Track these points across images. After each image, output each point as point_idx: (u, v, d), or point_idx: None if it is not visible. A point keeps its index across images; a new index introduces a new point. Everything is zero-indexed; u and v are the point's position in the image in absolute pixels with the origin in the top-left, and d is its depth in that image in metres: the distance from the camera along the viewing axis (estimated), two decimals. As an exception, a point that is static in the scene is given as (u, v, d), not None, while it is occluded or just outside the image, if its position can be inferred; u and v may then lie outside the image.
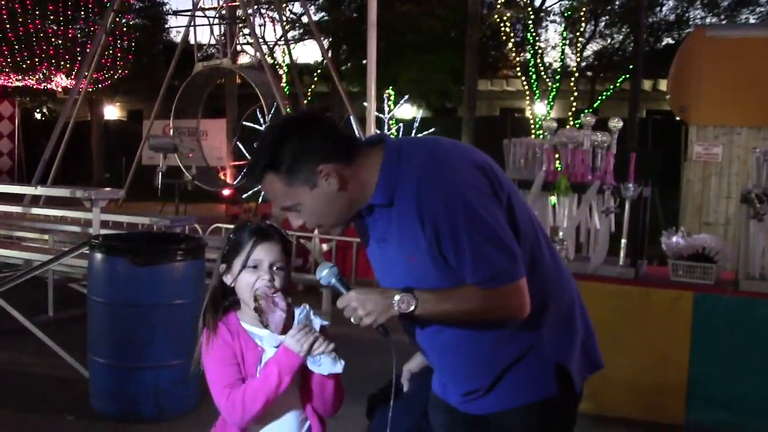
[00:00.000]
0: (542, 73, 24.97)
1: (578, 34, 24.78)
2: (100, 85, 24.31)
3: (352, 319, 2.51)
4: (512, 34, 24.41)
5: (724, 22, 28.35)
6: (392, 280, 2.59)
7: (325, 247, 10.61)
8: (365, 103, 12.68)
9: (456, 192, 2.41)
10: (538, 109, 24.21)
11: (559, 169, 5.72)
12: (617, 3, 28.61)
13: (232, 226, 10.97)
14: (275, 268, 2.70)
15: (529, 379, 2.62)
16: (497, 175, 2.54)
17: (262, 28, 24.78)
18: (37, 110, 34.17)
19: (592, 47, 30.30)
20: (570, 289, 2.75)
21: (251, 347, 2.71)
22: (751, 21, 28.76)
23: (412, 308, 2.46)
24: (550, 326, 2.62)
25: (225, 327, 2.74)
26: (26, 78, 23.62)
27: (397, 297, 2.47)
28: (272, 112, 19.08)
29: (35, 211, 11.22)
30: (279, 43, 25.55)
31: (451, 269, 2.46)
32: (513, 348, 2.59)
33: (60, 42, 23.30)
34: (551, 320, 2.63)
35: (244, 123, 21.90)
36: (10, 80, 23.67)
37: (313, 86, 27.11)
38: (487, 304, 2.45)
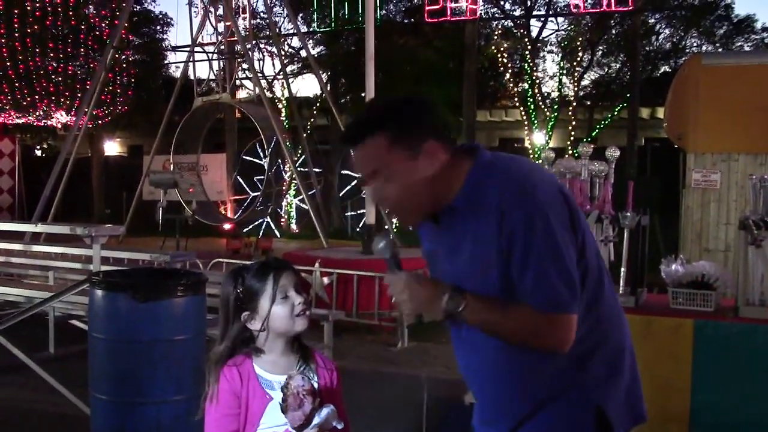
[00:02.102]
0: (540, 103, 25.11)
1: (575, 63, 24.92)
2: (100, 121, 24.42)
3: (394, 299, 2.48)
4: (510, 65, 24.55)
5: (719, 50, 28.51)
6: None
7: (326, 280, 10.61)
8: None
9: (540, 213, 2.39)
10: (537, 139, 24.31)
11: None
12: (614, 32, 28.77)
13: (232, 261, 11.02)
14: (299, 292, 2.75)
15: (565, 420, 2.55)
16: (577, 210, 2.53)
17: (261, 62, 25.06)
18: (38, 147, 34.27)
19: (590, 76, 30.45)
20: (624, 333, 2.71)
21: (259, 395, 2.70)
22: (746, 48, 28.93)
23: (459, 309, 2.42)
24: (597, 367, 2.57)
25: (237, 370, 2.72)
26: (26, 115, 23.71)
27: (447, 294, 2.42)
28: (272, 146, 19.16)
29: (36, 248, 11.22)
30: (278, 77, 25.70)
31: (513, 289, 2.42)
32: (554, 380, 2.53)
33: (60, 79, 23.40)
34: (599, 362, 2.57)
35: (243, 157, 22.03)
36: (11, 118, 23.77)
37: (312, 119, 27.21)
38: (535, 327, 2.41)
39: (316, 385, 2.70)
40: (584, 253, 2.50)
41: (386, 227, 14.47)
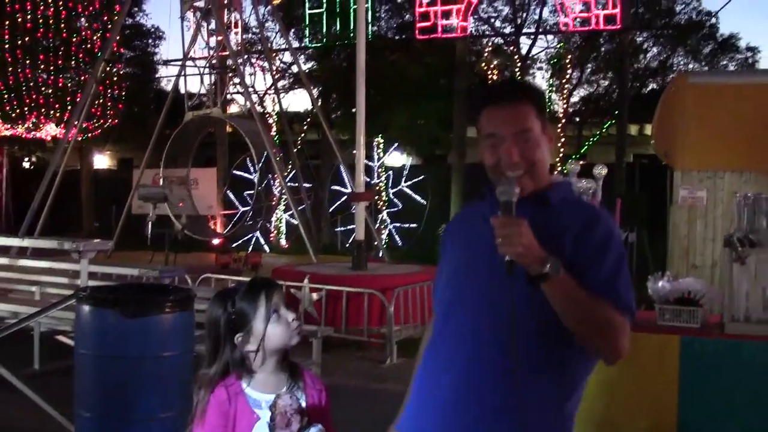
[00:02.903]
0: (530, 120, 25.11)
1: (565, 80, 25.00)
2: (90, 134, 24.38)
3: (500, 240, 2.47)
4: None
5: (705, 68, 28.71)
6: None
7: (315, 296, 10.61)
8: (355, 151, 12.74)
9: (617, 235, 2.69)
10: (527, 155, 24.31)
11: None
12: (602, 50, 28.92)
13: (222, 276, 11.02)
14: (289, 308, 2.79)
15: None
16: None
17: (252, 77, 24.99)
18: (27, 159, 34.20)
19: (579, 93, 30.58)
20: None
21: (247, 414, 2.70)
22: (730, 67, 29.18)
23: (558, 274, 2.46)
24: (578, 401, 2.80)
25: (224, 389, 2.74)
26: (15, 127, 23.66)
27: (550, 257, 2.47)
28: (262, 160, 19.16)
29: (22, 262, 11.18)
30: (269, 92, 25.70)
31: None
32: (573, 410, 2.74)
33: (50, 91, 23.40)
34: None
35: (234, 172, 22.02)
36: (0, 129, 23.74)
37: (303, 134, 27.21)
38: (615, 322, 2.54)
39: (304, 404, 2.71)
40: None
41: (374, 237, 14.49)
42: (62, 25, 23.44)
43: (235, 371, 2.76)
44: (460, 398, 2.60)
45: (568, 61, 24.70)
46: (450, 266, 2.82)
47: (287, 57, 28.13)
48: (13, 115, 23.01)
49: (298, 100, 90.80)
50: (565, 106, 25.30)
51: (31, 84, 23.11)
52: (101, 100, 23.43)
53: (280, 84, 27.14)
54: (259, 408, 2.69)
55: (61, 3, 23.22)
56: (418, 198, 21.32)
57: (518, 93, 2.77)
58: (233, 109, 25.27)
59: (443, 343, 2.71)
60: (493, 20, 28.57)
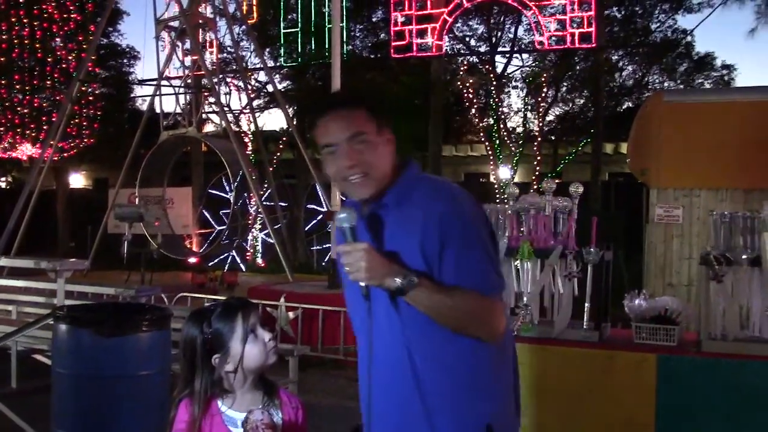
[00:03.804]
0: (506, 138, 25.28)
1: (540, 99, 25.16)
2: (65, 154, 24.26)
3: (348, 268, 2.58)
4: (475, 100, 24.74)
5: (680, 86, 28.91)
6: None
7: (291, 314, 10.59)
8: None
9: (465, 212, 2.69)
10: (503, 174, 24.45)
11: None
12: (578, 69, 29.10)
13: (198, 296, 10.97)
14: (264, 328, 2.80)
15: None
16: (491, 225, 2.83)
17: (228, 96, 24.96)
18: (2, 179, 33.97)
19: (554, 112, 30.73)
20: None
21: (222, 431, 2.72)
22: (706, 85, 29.38)
23: (413, 285, 2.54)
24: (498, 381, 2.76)
25: (191, 407, 2.77)
26: (-9, 147, 23.55)
27: (402, 271, 2.56)
28: (238, 179, 19.13)
29: (-1, 282, 11.13)
30: (244, 111, 25.69)
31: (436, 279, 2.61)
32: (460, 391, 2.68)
33: (26, 111, 23.28)
34: (496, 383, 2.75)
35: (209, 191, 21.97)
36: (-25, 150, 23.61)
37: (278, 153, 27.21)
38: (483, 309, 2.62)
39: (279, 422, 2.71)
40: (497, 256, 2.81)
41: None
42: (37, 45, 23.36)
43: (212, 392, 2.75)
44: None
45: (543, 79, 24.87)
46: (347, 289, 2.88)
47: (262, 76, 28.20)
48: (-11, 135, 22.91)
49: (274, 120, 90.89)
50: (540, 124, 25.45)
51: (7, 104, 23.00)
52: (77, 120, 23.33)
53: (255, 103, 27.18)
54: (234, 426, 2.70)
55: (36, 23, 23.16)
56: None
57: (347, 99, 2.84)
58: (209, 128, 25.27)
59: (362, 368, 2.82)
60: (468, 39, 28.75)
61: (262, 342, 2.74)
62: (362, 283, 2.60)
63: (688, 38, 28.74)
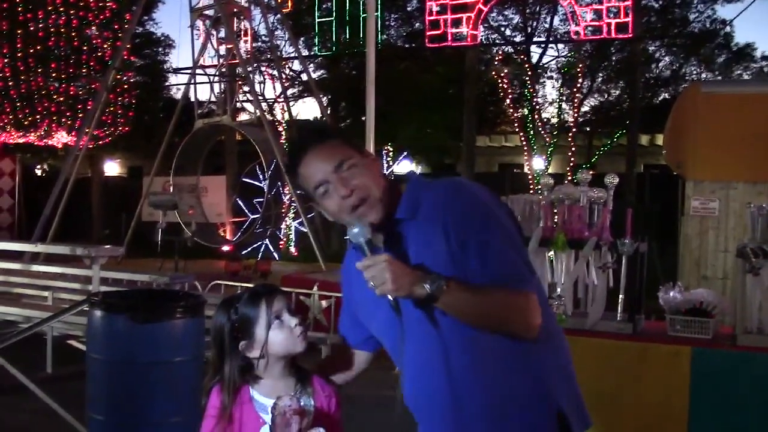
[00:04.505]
0: (540, 129, 25.15)
1: (575, 89, 24.98)
2: (100, 142, 24.42)
3: (371, 282, 2.44)
4: (510, 91, 24.64)
5: (718, 77, 28.62)
6: None
7: (324, 303, 10.60)
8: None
9: (483, 204, 2.58)
10: (537, 164, 24.33)
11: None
12: (614, 59, 28.89)
13: (231, 283, 11.02)
14: (293, 314, 2.77)
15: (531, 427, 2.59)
16: (514, 215, 2.71)
17: (262, 85, 25.04)
18: (38, 167, 34.31)
19: (590, 103, 30.56)
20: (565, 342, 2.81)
21: (253, 419, 2.72)
22: (745, 77, 29.05)
23: (442, 290, 2.43)
24: (559, 371, 2.67)
25: (221, 394, 2.77)
26: (27, 135, 23.73)
27: (429, 276, 2.44)
28: (271, 168, 19.18)
29: (35, 268, 11.25)
30: (278, 100, 25.76)
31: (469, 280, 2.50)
32: (520, 385, 2.59)
33: (61, 99, 23.44)
34: (557, 364, 2.68)
35: (243, 179, 22.06)
36: (12, 137, 23.79)
37: (312, 142, 27.23)
38: (514, 302, 2.50)
39: (311, 409, 2.71)
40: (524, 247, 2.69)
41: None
42: (73, 34, 23.48)
43: (242, 378, 2.77)
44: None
45: (578, 70, 24.69)
46: (369, 314, 2.81)
47: (297, 65, 28.26)
48: (26, 122, 23.06)
49: (308, 109, 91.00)
50: (575, 115, 25.29)
51: (43, 92, 23.14)
52: (112, 108, 23.46)
53: (289, 92, 27.25)
54: (265, 412, 2.70)
55: (72, 12, 23.29)
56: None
57: (319, 135, 2.69)
58: (243, 117, 25.32)
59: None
60: (503, 29, 28.65)
61: (288, 328, 2.73)
62: (390, 297, 2.47)
63: (727, 28, 28.47)
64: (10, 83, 22.52)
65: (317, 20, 24.46)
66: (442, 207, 2.54)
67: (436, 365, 2.60)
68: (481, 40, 24.32)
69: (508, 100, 24.78)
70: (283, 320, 2.73)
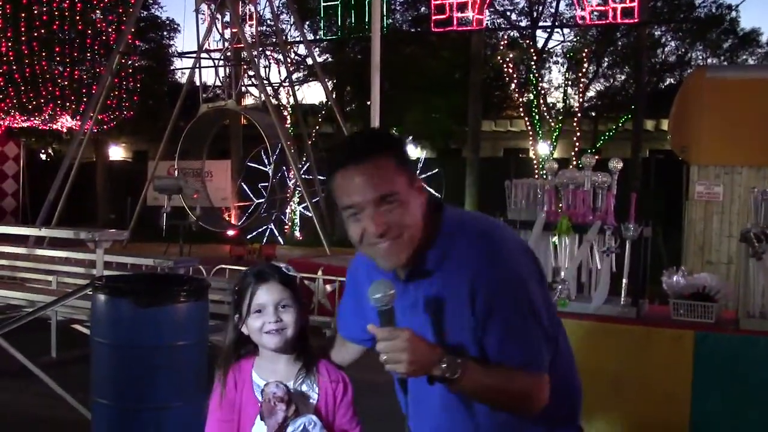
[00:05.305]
0: (545, 114, 25.13)
1: (581, 74, 24.95)
2: (105, 126, 24.43)
3: (385, 357, 2.23)
4: (515, 75, 24.60)
5: (724, 63, 28.54)
6: None
7: (329, 287, 10.62)
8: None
9: (517, 277, 2.35)
10: (542, 149, 24.33)
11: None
12: (619, 44, 28.80)
13: (236, 267, 11.04)
14: (281, 306, 2.67)
15: None
16: (540, 262, 2.53)
17: (267, 69, 25.06)
18: (43, 151, 34.32)
19: (595, 87, 30.51)
20: (579, 383, 2.72)
21: (252, 402, 2.70)
22: (750, 62, 28.97)
23: (456, 375, 2.25)
24: (566, 416, 2.62)
25: (234, 376, 2.75)
26: (32, 119, 23.75)
27: (445, 358, 2.25)
28: (277, 152, 19.18)
29: (39, 252, 11.27)
30: (283, 84, 25.72)
31: (482, 353, 2.35)
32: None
33: (66, 83, 23.44)
34: (568, 409, 2.62)
35: (248, 164, 22.06)
36: (16, 121, 23.81)
37: (317, 127, 27.25)
38: (526, 388, 2.35)
39: (316, 397, 2.70)
40: (549, 300, 2.50)
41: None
42: (78, 18, 23.47)
43: (240, 348, 2.78)
44: None
45: (584, 55, 24.64)
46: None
47: (302, 49, 28.19)
48: (30, 106, 23.07)
49: (313, 93, 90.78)
50: (580, 100, 25.25)
51: (48, 76, 23.14)
52: (117, 93, 23.47)
53: (294, 76, 27.20)
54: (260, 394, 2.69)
55: (76, -4, 23.30)
56: (432, 191, 21.31)
57: (372, 148, 2.35)
58: (248, 101, 25.29)
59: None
60: (509, 13, 28.55)
61: (261, 324, 2.68)
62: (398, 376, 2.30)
63: (733, 14, 28.36)
64: (15, 67, 22.51)
65: (323, 4, 24.37)
66: (479, 266, 2.32)
67: (456, 413, 2.49)
68: (487, 24, 24.19)
69: (513, 85, 24.76)
70: (262, 312, 2.68)
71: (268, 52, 24.49)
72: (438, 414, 2.51)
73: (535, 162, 23.48)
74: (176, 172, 20.91)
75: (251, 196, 21.90)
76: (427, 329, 2.38)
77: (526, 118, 24.60)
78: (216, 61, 20.60)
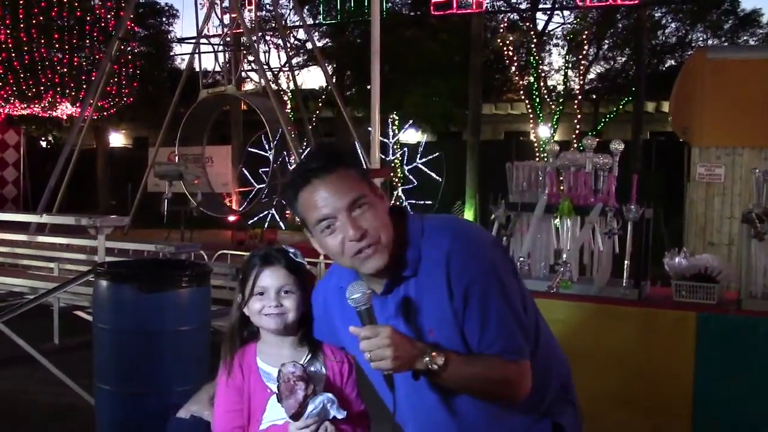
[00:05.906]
0: (546, 96, 25.07)
1: (581, 57, 24.88)
2: (105, 113, 24.42)
3: (369, 355, 2.29)
4: (515, 58, 24.54)
5: (725, 44, 28.47)
6: None
7: (330, 271, 10.61)
8: (370, 128, 12.72)
9: (489, 265, 2.40)
10: (542, 132, 24.29)
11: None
12: (620, 26, 28.72)
13: (237, 253, 11.05)
14: (283, 292, 2.67)
15: None
16: (511, 258, 2.58)
17: (267, 54, 25.00)
18: (43, 138, 34.30)
19: (595, 70, 30.43)
20: (564, 359, 2.78)
21: (260, 388, 2.69)
22: (751, 43, 28.90)
23: (439, 367, 2.33)
24: (552, 399, 2.65)
25: (239, 364, 2.74)
26: (32, 106, 23.72)
27: (427, 350, 2.32)
28: (277, 138, 19.16)
29: (41, 239, 11.26)
30: (283, 69, 25.68)
31: (467, 347, 2.41)
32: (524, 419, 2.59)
33: (65, 70, 23.41)
34: (553, 393, 2.65)
35: (249, 149, 22.05)
36: (16, 109, 23.78)
37: (318, 112, 27.22)
38: (508, 375, 2.40)
39: (323, 375, 2.70)
40: (523, 291, 2.55)
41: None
42: (76, 4, 23.43)
43: (243, 330, 2.78)
44: None
45: (584, 37, 24.56)
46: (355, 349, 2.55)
47: (301, 34, 28.15)
48: (30, 94, 23.04)
49: (313, 78, 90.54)
50: (581, 82, 25.19)
51: (47, 63, 23.11)
52: (116, 79, 23.43)
53: (294, 61, 27.14)
54: (272, 382, 2.66)
55: (75, -19, 23.24)
56: (433, 175, 21.27)
57: (335, 163, 2.40)
58: (248, 86, 25.26)
59: None
60: (508, -4, 28.46)
61: (262, 306, 2.68)
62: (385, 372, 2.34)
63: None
64: (14, 55, 22.47)
65: (322, -12, 24.36)
66: (447, 267, 2.36)
67: (440, 414, 2.55)
68: (487, 7, 24.15)
69: (513, 68, 24.70)
70: (264, 295, 2.68)
71: (267, 37, 24.45)
72: (427, 408, 2.56)
73: (536, 145, 23.45)
74: (177, 158, 20.90)
75: (252, 181, 21.88)
76: (411, 332, 2.43)
77: (527, 101, 24.55)
78: (215, 47, 20.55)
